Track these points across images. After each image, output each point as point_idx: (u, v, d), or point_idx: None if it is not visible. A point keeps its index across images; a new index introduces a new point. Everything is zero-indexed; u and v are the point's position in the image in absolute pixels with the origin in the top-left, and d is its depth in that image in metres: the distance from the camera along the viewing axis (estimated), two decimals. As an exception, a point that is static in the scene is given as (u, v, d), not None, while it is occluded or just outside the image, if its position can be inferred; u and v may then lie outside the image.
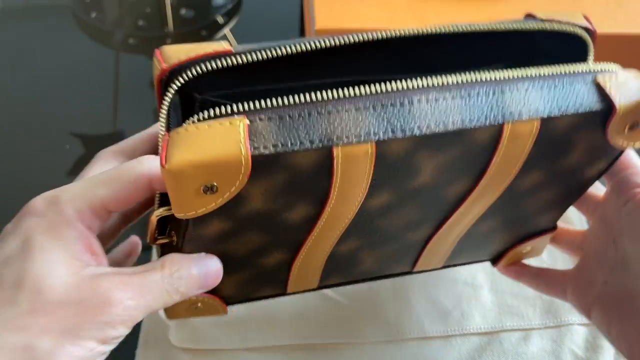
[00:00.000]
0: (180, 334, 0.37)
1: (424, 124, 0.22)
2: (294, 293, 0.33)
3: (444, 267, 0.36)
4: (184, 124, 0.20)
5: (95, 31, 0.64)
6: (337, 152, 0.21)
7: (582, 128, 0.25)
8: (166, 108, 0.23)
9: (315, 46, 0.24)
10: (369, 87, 0.22)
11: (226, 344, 0.37)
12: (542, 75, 0.24)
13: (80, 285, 0.20)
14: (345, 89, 0.22)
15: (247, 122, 0.20)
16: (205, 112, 0.20)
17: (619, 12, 0.54)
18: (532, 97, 0.23)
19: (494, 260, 0.36)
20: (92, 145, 0.54)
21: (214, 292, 0.27)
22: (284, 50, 0.23)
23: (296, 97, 0.21)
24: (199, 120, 0.20)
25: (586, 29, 0.28)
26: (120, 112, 0.57)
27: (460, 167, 0.25)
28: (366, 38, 0.24)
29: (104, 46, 0.63)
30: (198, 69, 0.22)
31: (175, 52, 0.23)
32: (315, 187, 0.23)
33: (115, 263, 0.28)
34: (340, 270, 0.33)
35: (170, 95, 0.23)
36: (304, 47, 0.24)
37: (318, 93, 0.21)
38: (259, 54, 0.23)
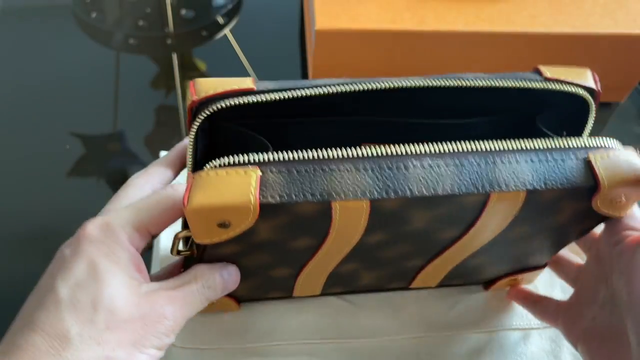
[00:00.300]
0: (180, 333, 0.37)
1: (416, 187, 0.24)
2: (299, 297, 0.37)
3: (439, 286, 0.38)
4: (206, 167, 0.23)
5: (95, 31, 0.64)
6: (335, 205, 0.24)
7: (568, 197, 0.26)
8: (194, 133, 0.27)
9: (328, 91, 0.27)
10: (370, 149, 0.24)
11: (226, 343, 0.37)
12: (536, 148, 0.26)
13: (140, 302, 0.24)
14: (348, 150, 0.24)
15: (260, 173, 0.23)
16: (226, 159, 0.24)
17: (619, 12, 0.54)
18: (522, 169, 0.25)
19: (486, 285, 0.39)
20: (92, 145, 0.54)
21: (229, 294, 0.30)
22: (298, 93, 0.26)
23: (304, 153, 0.24)
24: (220, 165, 0.23)
25: (590, 90, 0.29)
26: (120, 112, 0.57)
27: (449, 220, 0.27)
28: (376, 86, 0.29)
29: (104, 46, 0.63)
30: (223, 104, 0.26)
31: (205, 87, 0.27)
32: (316, 226, 0.26)
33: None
34: (341, 283, 0.36)
35: (198, 123, 0.26)
36: (317, 92, 0.27)
37: (324, 151, 0.24)
38: (277, 95, 0.26)
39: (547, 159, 0.25)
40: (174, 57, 0.63)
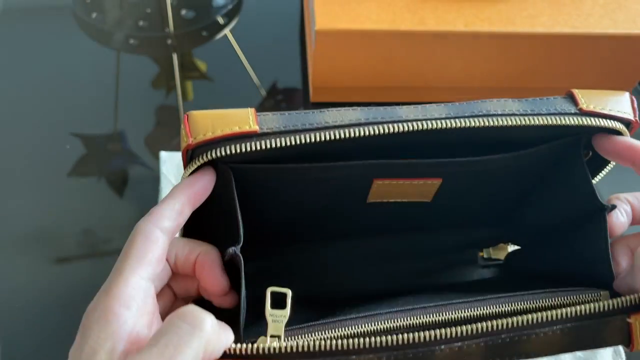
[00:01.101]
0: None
1: None
2: None
3: None
4: None
5: (95, 31, 0.65)
6: None
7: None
8: (187, 176, 0.26)
9: (340, 136, 0.25)
10: (391, 339, 0.23)
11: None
12: (572, 317, 0.24)
13: None
14: (370, 340, 0.23)
15: None
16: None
17: (619, 12, 0.54)
18: (555, 340, 0.24)
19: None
20: (92, 145, 0.54)
21: None
22: (308, 138, 0.25)
23: (324, 344, 0.22)
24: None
25: (627, 122, 0.27)
26: (120, 112, 0.57)
27: None
28: (388, 130, 0.26)
29: (105, 46, 0.63)
30: (222, 151, 0.24)
31: (203, 126, 0.25)
32: None
33: None
34: None
35: (194, 167, 0.25)
36: (328, 136, 0.25)
37: (338, 330, 0.24)
38: (281, 141, 0.25)
39: (587, 327, 0.24)
40: (174, 57, 0.63)
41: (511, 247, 0.39)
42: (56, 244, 0.47)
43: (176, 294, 0.29)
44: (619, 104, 0.27)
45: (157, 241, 0.25)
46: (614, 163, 0.30)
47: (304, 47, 0.64)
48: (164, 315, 0.24)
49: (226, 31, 0.66)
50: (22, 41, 0.64)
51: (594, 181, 0.32)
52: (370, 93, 0.57)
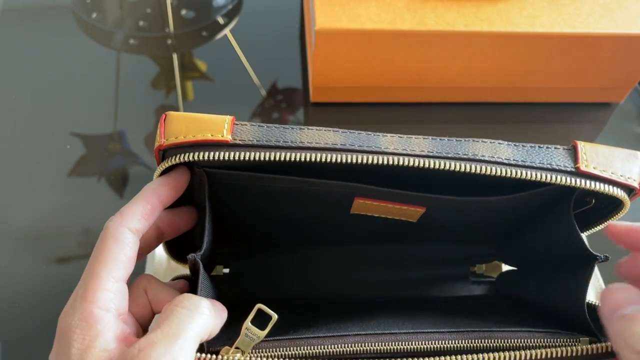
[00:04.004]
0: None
1: None
2: None
3: None
4: None
5: (95, 31, 0.65)
6: None
7: None
8: (158, 174, 0.26)
9: (310, 159, 0.24)
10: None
11: None
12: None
13: None
14: (327, 348, 0.24)
15: None
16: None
17: (619, 12, 0.54)
18: None
19: None
20: (92, 145, 0.54)
21: None
22: (275, 157, 0.24)
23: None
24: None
25: (630, 188, 0.25)
26: (120, 112, 0.57)
27: None
28: (362, 161, 0.25)
29: (105, 46, 0.63)
30: (190, 156, 0.24)
31: (177, 129, 0.25)
32: None
33: None
34: None
35: (163, 169, 0.25)
36: (303, 157, 0.24)
37: (303, 349, 0.24)
38: (250, 155, 0.24)
39: None
40: (175, 57, 0.63)
41: (505, 267, 0.38)
42: (56, 243, 0.47)
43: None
44: (627, 166, 0.25)
45: (128, 243, 0.25)
46: (623, 214, 0.28)
47: (304, 47, 0.64)
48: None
49: (226, 31, 0.66)
50: (22, 41, 0.64)
51: (599, 227, 0.30)
52: (370, 93, 0.57)
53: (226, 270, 0.37)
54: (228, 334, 0.25)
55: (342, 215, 0.32)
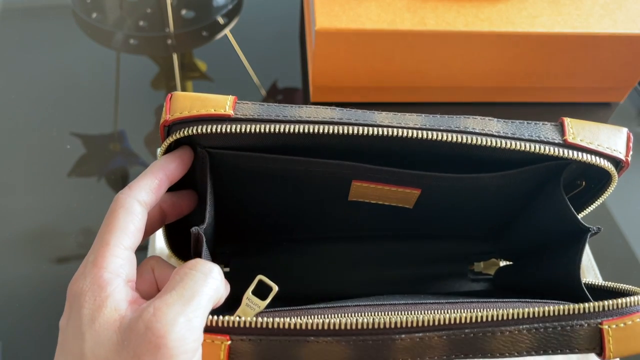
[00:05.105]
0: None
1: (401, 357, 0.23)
2: None
3: None
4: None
5: (95, 31, 0.65)
6: None
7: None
8: (163, 150, 0.27)
9: (313, 130, 0.25)
10: (350, 321, 0.23)
11: None
12: (543, 316, 0.24)
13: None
14: (329, 319, 0.24)
15: (229, 342, 0.23)
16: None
17: (619, 12, 0.54)
18: (522, 339, 0.24)
19: None
20: (93, 145, 0.54)
21: None
22: (275, 129, 0.25)
23: (283, 320, 0.23)
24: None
25: (616, 160, 0.26)
26: (120, 112, 0.57)
27: None
28: (358, 132, 0.26)
29: (105, 46, 0.63)
30: (194, 130, 0.25)
31: (181, 105, 0.26)
32: None
33: None
34: None
35: (168, 143, 0.26)
36: (301, 129, 0.25)
37: (303, 318, 0.24)
38: (251, 128, 0.25)
39: (553, 328, 0.23)
40: (175, 57, 0.63)
41: (503, 263, 0.39)
42: (56, 243, 0.47)
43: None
44: (612, 139, 0.26)
45: (137, 214, 0.26)
46: (613, 188, 0.28)
47: (304, 47, 0.64)
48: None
49: (226, 31, 0.66)
50: (22, 41, 0.64)
51: (592, 207, 0.31)
52: (371, 93, 0.57)
53: (226, 270, 0.37)
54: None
55: (340, 203, 0.33)
